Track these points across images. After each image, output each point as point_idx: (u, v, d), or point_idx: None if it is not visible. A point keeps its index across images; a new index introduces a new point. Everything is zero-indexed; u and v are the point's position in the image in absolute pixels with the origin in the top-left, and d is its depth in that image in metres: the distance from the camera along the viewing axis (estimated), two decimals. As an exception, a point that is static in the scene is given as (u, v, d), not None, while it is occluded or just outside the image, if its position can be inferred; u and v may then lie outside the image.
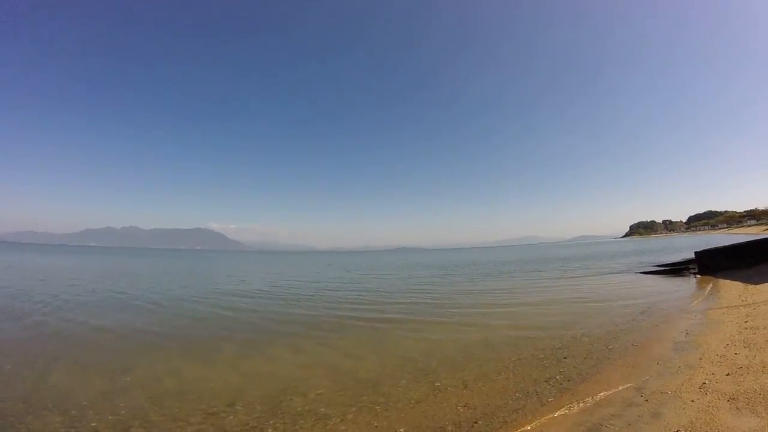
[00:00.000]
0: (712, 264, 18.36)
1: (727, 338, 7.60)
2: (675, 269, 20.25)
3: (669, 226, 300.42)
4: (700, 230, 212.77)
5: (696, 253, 19.28)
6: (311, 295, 17.89)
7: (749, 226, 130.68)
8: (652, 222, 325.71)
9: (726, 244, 20.81)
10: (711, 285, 15.28)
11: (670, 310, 11.27)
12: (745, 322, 8.65)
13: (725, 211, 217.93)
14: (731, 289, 13.59)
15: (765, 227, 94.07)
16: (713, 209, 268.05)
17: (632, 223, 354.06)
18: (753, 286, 13.41)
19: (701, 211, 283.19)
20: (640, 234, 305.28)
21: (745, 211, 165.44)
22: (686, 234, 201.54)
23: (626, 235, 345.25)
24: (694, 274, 18.66)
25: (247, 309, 13.96)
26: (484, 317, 11.82)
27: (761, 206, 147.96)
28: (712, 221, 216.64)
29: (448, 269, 35.32)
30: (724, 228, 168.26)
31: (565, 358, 7.33)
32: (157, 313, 12.92)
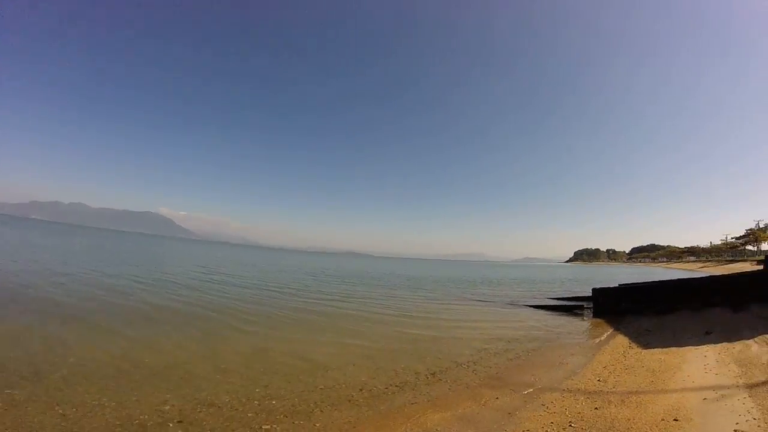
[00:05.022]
0: (612, 305, 14.44)
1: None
2: (569, 306, 16.19)
3: (612, 255, 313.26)
4: (640, 261, 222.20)
5: (594, 290, 15.22)
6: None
7: (688, 262, 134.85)
8: (597, 250, 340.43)
9: (659, 279, 17.25)
10: (589, 338, 11.16)
11: (478, 382, 6.68)
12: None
13: (668, 246, 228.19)
14: (608, 350, 9.38)
15: (702, 264, 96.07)
16: (657, 243, 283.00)
17: (577, 250, 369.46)
18: (640, 349, 9.26)
19: (645, 243, 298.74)
20: (584, 261, 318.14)
21: (686, 247, 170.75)
22: (626, 264, 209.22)
23: (570, 260, 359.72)
24: (592, 313, 14.76)
25: None
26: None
27: (703, 244, 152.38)
28: (653, 254, 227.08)
29: (320, 279, 28.96)
30: (664, 262, 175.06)
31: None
32: None
